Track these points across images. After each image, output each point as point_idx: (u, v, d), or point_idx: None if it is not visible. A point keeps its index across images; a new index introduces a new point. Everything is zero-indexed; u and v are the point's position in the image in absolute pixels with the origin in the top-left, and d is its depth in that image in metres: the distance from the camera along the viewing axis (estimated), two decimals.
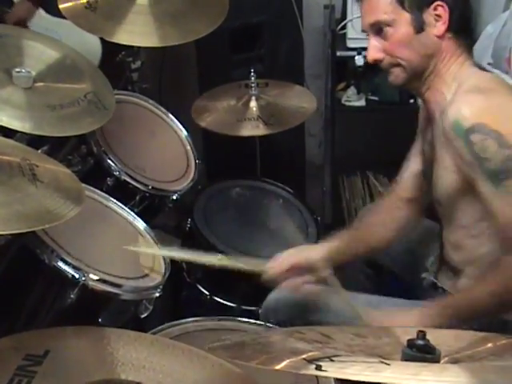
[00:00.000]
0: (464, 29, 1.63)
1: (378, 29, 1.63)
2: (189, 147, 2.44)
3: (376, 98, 3.14)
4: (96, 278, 1.62)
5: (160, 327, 1.69)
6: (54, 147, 2.07)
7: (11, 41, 2.01)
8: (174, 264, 1.98)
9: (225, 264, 1.85)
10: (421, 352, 1.06)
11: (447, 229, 1.75)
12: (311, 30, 3.30)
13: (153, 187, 2.19)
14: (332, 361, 0.95)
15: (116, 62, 2.60)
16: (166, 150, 2.41)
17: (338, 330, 1.24)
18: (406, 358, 1.06)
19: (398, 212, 1.88)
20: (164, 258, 1.90)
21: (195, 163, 2.40)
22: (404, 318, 1.59)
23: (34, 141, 1.98)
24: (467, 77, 1.60)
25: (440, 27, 1.59)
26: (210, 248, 2.21)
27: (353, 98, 3.19)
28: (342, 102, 3.22)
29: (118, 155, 2.18)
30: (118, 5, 2.28)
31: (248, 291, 2.23)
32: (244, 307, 2.18)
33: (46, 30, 2.47)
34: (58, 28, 2.49)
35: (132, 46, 2.54)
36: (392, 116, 3.22)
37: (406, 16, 1.59)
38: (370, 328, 1.33)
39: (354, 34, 2.96)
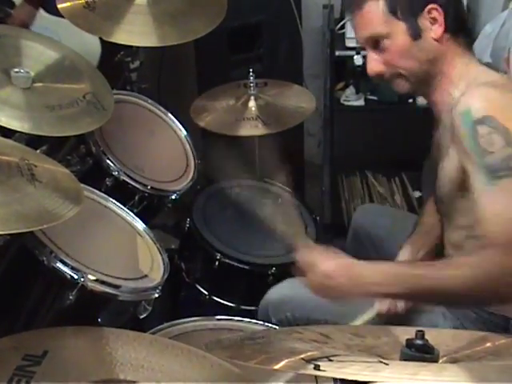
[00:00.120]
0: (462, 27, 1.61)
1: (374, 42, 1.61)
2: (188, 147, 2.44)
3: (375, 98, 3.14)
4: (95, 278, 1.62)
5: (159, 327, 1.69)
6: (53, 147, 2.07)
7: (10, 41, 2.01)
8: (172, 264, 1.98)
9: None
10: (419, 352, 1.06)
11: (448, 228, 1.74)
12: (310, 30, 3.30)
13: (152, 187, 2.19)
14: (330, 360, 0.96)
15: (115, 62, 2.59)
16: (165, 150, 2.41)
17: (337, 330, 1.24)
18: (405, 358, 1.06)
19: None
20: (163, 259, 1.90)
21: (194, 163, 2.40)
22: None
23: (32, 141, 1.98)
24: (477, 74, 1.56)
25: (437, 30, 1.56)
26: (208, 248, 2.21)
27: (352, 98, 3.19)
28: (341, 101, 3.22)
29: (117, 155, 2.18)
30: (117, 4, 2.27)
31: (247, 291, 2.24)
32: (243, 307, 2.18)
33: (45, 29, 2.47)
34: (58, 28, 2.49)
35: (131, 46, 2.53)
36: (391, 116, 3.23)
37: (400, 25, 1.57)
38: (368, 329, 1.32)
39: (352, 33, 2.93)
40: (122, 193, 2.10)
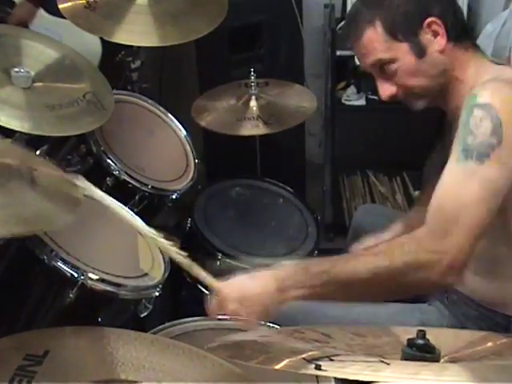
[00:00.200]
0: (463, 31, 1.60)
1: (380, 68, 1.59)
2: (188, 147, 2.44)
3: (376, 98, 3.13)
4: (95, 277, 1.62)
5: (160, 327, 1.69)
6: (54, 147, 2.07)
7: (10, 40, 2.01)
8: (173, 263, 1.98)
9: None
10: (421, 351, 1.06)
11: None
12: (311, 30, 3.30)
13: (152, 187, 2.19)
14: (332, 360, 0.95)
15: (116, 62, 2.60)
16: (165, 150, 2.41)
17: (338, 330, 1.24)
18: (406, 358, 1.06)
19: None
20: (164, 258, 1.90)
21: (194, 163, 2.40)
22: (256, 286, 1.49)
23: (33, 141, 1.98)
24: (493, 73, 1.54)
25: (440, 42, 1.55)
26: (210, 247, 2.21)
27: (353, 98, 3.20)
28: (342, 101, 3.23)
29: (118, 155, 2.18)
30: (118, 4, 2.27)
31: None
32: None
33: (45, 29, 2.47)
34: (59, 28, 2.49)
35: (132, 46, 2.54)
36: (392, 115, 3.22)
37: (403, 46, 1.55)
38: (369, 328, 1.32)
39: None
40: (123, 192, 2.10)
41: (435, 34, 1.55)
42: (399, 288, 1.45)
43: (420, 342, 1.07)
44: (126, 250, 1.88)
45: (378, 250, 1.48)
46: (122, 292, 1.67)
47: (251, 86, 2.56)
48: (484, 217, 1.41)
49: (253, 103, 2.55)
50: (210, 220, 2.32)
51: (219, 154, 3.07)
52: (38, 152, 2.03)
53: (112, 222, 1.94)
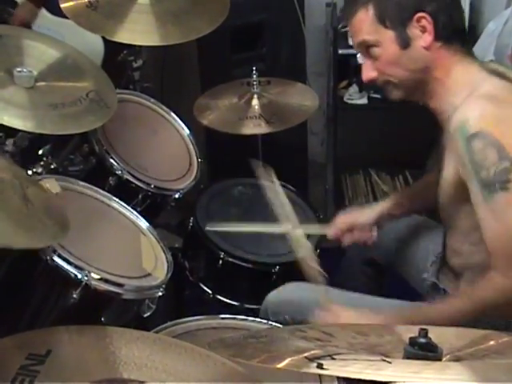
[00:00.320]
0: (456, 34, 1.59)
1: (366, 49, 1.62)
2: (191, 146, 2.44)
3: (378, 96, 3.14)
4: (98, 277, 1.62)
5: (163, 326, 1.69)
6: (56, 147, 2.08)
7: (12, 41, 2.01)
8: (176, 263, 1.98)
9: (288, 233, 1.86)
10: (423, 350, 1.06)
11: (448, 233, 1.75)
12: (313, 28, 3.30)
13: (155, 186, 2.19)
14: (333, 359, 0.96)
15: (118, 61, 2.60)
16: (168, 149, 2.42)
17: (340, 329, 1.24)
18: (408, 356, 1.06)
19: None
20: (167, 258, 1.90)
21: (198, 162, 2.41)
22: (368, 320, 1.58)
23: (36, 140, 1.99)
24: (479, 83, 1.55)
25: (426, 38, 1.55)
26: (212, 246, 2.21)
27: (355, 96, 3.19)
28: (345, 99, 3.22)
29: (120, 154, 2.18)
30: (119, 4, 2.27)
31: (250, 290, 2.24)
32: (246, 306, 2.18)
33: (48, 29, 2.47)
34: (61, 28, 2.49)
35: (134, 45, 2.54)
36: (394, 114, 3.22)
37: (389, 34, 1.57)
38: (372, 327, 1.32)
39: None
40: (126, 192, 2.10)
41: (423, 30, 1.56)
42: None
43: (422, 340, 1.07)
44: (129, 251, 1.88)
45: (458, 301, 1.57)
46: (125, 292, 1.67)
47: (253, 84, 2.55)
48: None
49: (255, 102, 2.54)
50: (213, 219, 2.32)
51: (221, 153, 3.07)
52: (40, 151, 2.04)
53: (115, 222, 1.95)
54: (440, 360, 1.06)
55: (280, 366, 0.95)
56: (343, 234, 2.01)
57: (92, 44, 2.55)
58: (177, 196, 2.26)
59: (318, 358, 0.95)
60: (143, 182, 2.16)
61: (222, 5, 2.34)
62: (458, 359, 1.07)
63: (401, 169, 3.46)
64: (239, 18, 2.79)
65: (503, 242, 1.46)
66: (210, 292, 2.24)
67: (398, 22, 1.56)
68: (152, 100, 2.47)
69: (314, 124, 3.48)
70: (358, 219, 2.00)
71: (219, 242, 2.22)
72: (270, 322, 1.81)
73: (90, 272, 1.61)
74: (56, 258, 1.60)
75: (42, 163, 2.01)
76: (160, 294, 1.78)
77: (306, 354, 0.97)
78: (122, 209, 1.99)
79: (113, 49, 2.57)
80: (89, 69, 2.10)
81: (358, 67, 2.87)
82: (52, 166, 2.03)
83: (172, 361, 1.34)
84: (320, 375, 1.51)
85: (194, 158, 2.42)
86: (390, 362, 0.95)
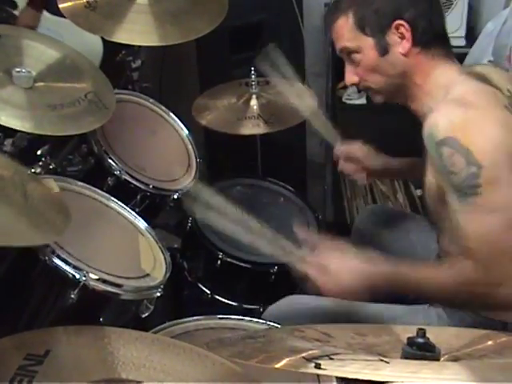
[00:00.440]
0: (434, 39, 1.61)
1: (347, 55, 1.65)
2: (190, 146, 2.44)
3: None
4: (97, 277, 1.62)
5: (161, 326, 1.69)
6: (55, 147, 2.08)
7: (11, 41, 2.01)
8: (174, 263, 1.98)
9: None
10: (421, 350, 1.06)
11: (439, 234, 1.76)
12: (312, 29, 3.30)
13: (154, 186, 2.19)
14: (331, 359, 0.96)
15: (116, 62, 2.59)
16: (166, 149, 2.41)
17: (338, 329, 1.24)
18: (406, 356, 1.06)
19: None
20: (165, 258, 1.90)
21: (196, 162, 2.40)
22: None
23: (34, 141, 1.98)
24: (454, 85, 1.56)
25: (404, 45, 1.58)
26: (211, 247, 2.21)
27: (354, 97, 3.19)
28: (343, 100, 3.22)
29: (119, 155, 2.18)
30: (118, 4, 2.27)
31: (249, 290, 2.24)
32: (245, 306, 2.18)
33: (47, 29, 2.47)
34: (60, 28, 2.49)
35: (132, 45, 2.53)
36: (393, 114, 3.21)
37: (369, 41, 1.60)
38: (369, 327, 1.32)
39: None
40: (124, 192, 2.10)
41: (402, 37, 1.58)
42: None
43: (420, 340, 1.07)
44: (127, 251, 1.88)
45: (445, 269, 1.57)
46: (123, 292, 1.67)
47: (252, 84, 2.55)
48: (509, 238, 1.47)
49: (253, 102, 2.54)
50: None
51: (220, 153, 3.07)
52: (39, 152, 2.04)
53: (113, 222, 1.95)
54: (438, 360, 1.06)
55: (278, 366, 0.95)
56: (341, 159, 2.10)
57: (91, 44, 2.55)
58: (175, 196, 2.25)
59: (316, 358, 0.95)
60: (142, 183, 2.16)
61: (220, 5, 2.34)
62: (455, 359, 1.07)
63: None
64: (238, 18, 2.79)
65: (481, 241, 1.47)
66: (208, 292, 2.24)
67: (377, 29, 1.59)
68: (151, 100, 2.47)
69: None
70: (361, 156, 2.07)
71: (218, 242, 2.22)
72: (268, 323, 1.81)
73: (88, 272, 1.61)
74: (54, 259, 1.60)
75: (40, 163, 2.00)
76: (158, 294, 1.77)
77: (303, 354, 0.97)
78: (120, 209, 1.99)
79: (111, 49, 2.57)
80: (87, 70, 2.10)
81: None
82: (51, 167, 2.03)
83: (170, 361, 1.34)
84: (318, 375, 1.51)
85: (193, 158, 2.42)
86: (387, 362, 0.95)
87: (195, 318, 1.76)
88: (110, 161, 2.13)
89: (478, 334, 1.21)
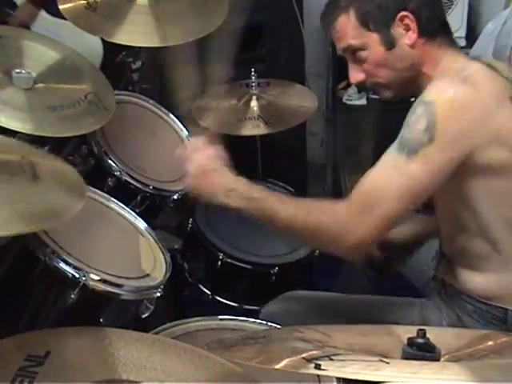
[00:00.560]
0: (439, 28, 1.60)
1: (351, 54, 1.63)
2: None
3: (377, 97, 3.13)
4: (97, 278, 1.62)
5: (162, 327, 1.69)
6: (55, 148, 2.07)
7: (11, 42, 2.01)
8: (175, 264, 1.98)
9: None
10: (421, 350, 1.06)
11: (440, 220, 1.75)
12: (312, 29, 3.30)
13: (154, 187, 2.19)
14: (331, 360, 0.96)
15: (116, 63, 2.59)
16: (166, 150, 2.41)
17: (338, 329, 1.24)
18: (406, 357, 1.06)
19: None
20: (165, 258, 1.90)
21: None
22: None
23: (34, 142, 1.98)
24: (466, 67, 1.55)
25: (411, 36, 1.57)
26: (211, 248, 2.21)
27: (354, 97, 3.20)
28: (343, 100, 3.23)
29: (119, 155, 2.18)
30: (118, 5, 2.27)
31: (249, 291, 2.24)
32: (246, 307, 2.18)
33: (46, 30, 2.47)
34: (59, 29, 2.49)
35: (132, 47, 2.54)
36: (393, 114, 3.20)
37: (374, 36, 1.58)
38: (370, 328, 1.32)
39: None
40: (124, 193, 2.10)
41: (407, 28, 1.57)
42: (309, 241, 1.62)
43: (420, 341, 1.07)
44: (127, 251, 1.88)
45: (301, 204, 1.55)
46: (123, 293, 1.67)
47: (252, 86, 2.56)
48: (399, 212, 1.48)
49: (254, 103, 2.55)
50: (212, 220, 2.33)
51: None
52: None
53: (113, 222, 1.95)
54: (438, 360, 1.06)
55: (278, 366, 0.95)
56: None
57: (91, 45, 2.55)
58: (175, 197, 2.26)
59: (316, 358, 0.95)
60: (142, 183, 2.16)
61: (220, 6, 2.34)
62: (456, 359, 1.07)
63: None
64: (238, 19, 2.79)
65: (372, 192, 1.49)
66: (209, 293, 2.24)
67: (382, 23, 1.57)
68: (151, 101, 2.47)
69: (313, 125, 3.49)
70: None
71: (218, 243, 2.23)
72: (269, 323, 1.81)
73: (88, 272, 1.61)
74: (54, 259, 1.60)
75: None
76: (158, 294, 1.77)
77: (304, 355, 0.97)
78: (120, 210, 1.99)
79: (112, 50, 2.57)
80: (87, 71, 2.10)
81: None
82: None
83: (171, 362, 1.34)
84: (319, 376, 1.51)
85: None
86: (387, 363, 0.95)
87: (196, 318, 1.76)
88: (110, 162, 2.13)
89: (479, 334, 1.21)
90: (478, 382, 0.91)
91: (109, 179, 2.11)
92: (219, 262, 2.18)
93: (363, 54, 1.61)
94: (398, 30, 1.57)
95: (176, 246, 2.42)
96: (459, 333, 1.25)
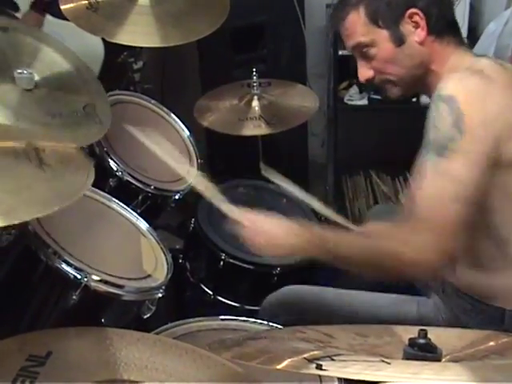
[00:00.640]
0: (447, 26, 1.61)
1: (360, 51, 1.63)
2: (191, 147, 2.45)
3: (378, 97, 3.14)
4: (98, 278, 1.62)
5: (163, 327, 1.69)
6: None
7: (25, 39, 1.98)
8: (177, 264, 1.98)
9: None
10: (422, 351, 1.06)
11: None
12: (313, 29, 3.31)
13: (155, 187, 2.19)
14: (333, 360, 0.96)
15: (118, 63, 2.60)
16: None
17: (340, 330, 1.24)
18: (408, 357, 1.06)
19: None
20: (167, 259, 1.90)
21: (197, 163, 2.41)
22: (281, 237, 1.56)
23: None
24: (475, 63, 1.56)
25: (420, 33, 1.57)
26: (213, 247, 2.21)
27: (355, 97, 3.20)
28: (345, 100, 3.23)
29: (120, 156, 2.18)
30: (120, 5, 2.27)
31: (251, 291, 2.24)
32: (247, 307, 2.18)
33: (47, 31, 2.47)
34: (60, 29, 2.49)
35: (134, 47, 2.54)
36: (394, 115, 3.22)
37: (383, 33, 1.58)
38: (371, 328, 1.32)
39: None
40: (126, 193, 2.10)
41: (416, 26, 1.57)
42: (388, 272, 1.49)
43: (421, 341, 1.07)
44: (129, 252, 1.88)
45: (367, 243, 1.51)
46: (124, 293, 1.67)
47: (253, 86, 2.56)
48: (464, 214, 1.43)
49: (255, 103, 2.55)
50: (214, 220, 2.32)
51: (221, 154, 3.07)
52: None
53: (115, 223, 1.95)
54: (439, 361, 1.06)
55: (279, 366, 0.95)
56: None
57: (92, 46, 2.55)
58: (177, 197, 2.26)
59: (318, 358, 0.95)
60: (143, 183, 2.16)
61: (222, 6, 2.34)
62: (457, 360, 1.07)
63: (401, 169, 3.46)
64: (239, 20, 2.79)
65: (427, 203, 1.45)
66: (210, 293, 2.24)
67: (391, 20, 1.58)
68: (152, 101, 2.48)
69: (315, 125, 3.49)
70: None
71: (220, 243, 2.23)
72: (270, 324, 1.81)
73: (89, 273, 1.61)
74: (56, 260, 1.60)
75: None
76: (160, 295, 1.77)
77: (305, 355, 0.97)
78: (121, 210, 1.99)
79: (113, 50, 2.58)
80: (90, 82, 2.08)
81: None
82: None
83: (172, 362, 1.34)
84: (320, 376, 1.51)
85: (194, 160, 2.42)
86: (389, 363, 0.95)
87: (197, 318, 1.76)
88: (112, 162, 2.13)
89: (480, 335, 1.21)
90: (479, 382, 0.91)
91: (110, 179, 2.11)
92: (221, 263, 2.18)
93: (372, 50, 1.61)
94: (407, 27, 1.57)
95: (178, 246, 2.42)
96: (460, 333, 1.25)
